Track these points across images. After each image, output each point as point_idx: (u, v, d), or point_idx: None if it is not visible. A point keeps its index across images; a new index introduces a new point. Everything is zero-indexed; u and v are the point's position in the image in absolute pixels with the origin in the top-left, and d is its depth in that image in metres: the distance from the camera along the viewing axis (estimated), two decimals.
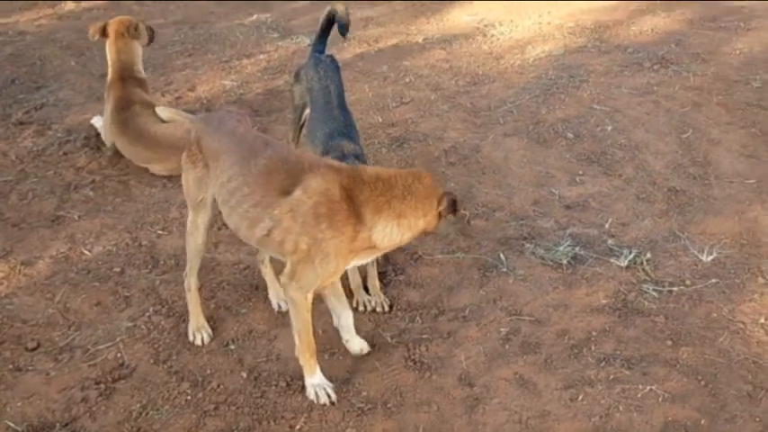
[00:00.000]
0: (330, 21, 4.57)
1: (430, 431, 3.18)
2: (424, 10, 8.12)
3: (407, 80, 6.43)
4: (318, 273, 3.07)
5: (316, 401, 3.29)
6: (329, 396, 3.29)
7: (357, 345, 3.56)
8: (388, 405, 3.30)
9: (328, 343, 3.64)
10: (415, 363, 3.53)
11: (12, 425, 3.22)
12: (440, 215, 3.16)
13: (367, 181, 3.06)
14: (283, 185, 3.04)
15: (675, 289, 3.95)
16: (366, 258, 3.29)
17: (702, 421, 3.15)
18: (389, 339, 3.68)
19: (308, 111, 4.32)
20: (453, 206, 3.16)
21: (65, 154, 5.33)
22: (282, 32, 7.56)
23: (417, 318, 3.82)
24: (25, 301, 3.94)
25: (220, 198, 3.24)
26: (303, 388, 3.36)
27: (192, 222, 3.48)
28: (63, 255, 4.30)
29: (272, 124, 5.70)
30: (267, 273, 3.84)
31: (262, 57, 6.96)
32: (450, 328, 3.74)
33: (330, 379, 3.38)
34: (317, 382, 3.31)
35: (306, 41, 7.11)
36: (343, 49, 7.09)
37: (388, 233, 3.09)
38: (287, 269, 3.16)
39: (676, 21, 7.58)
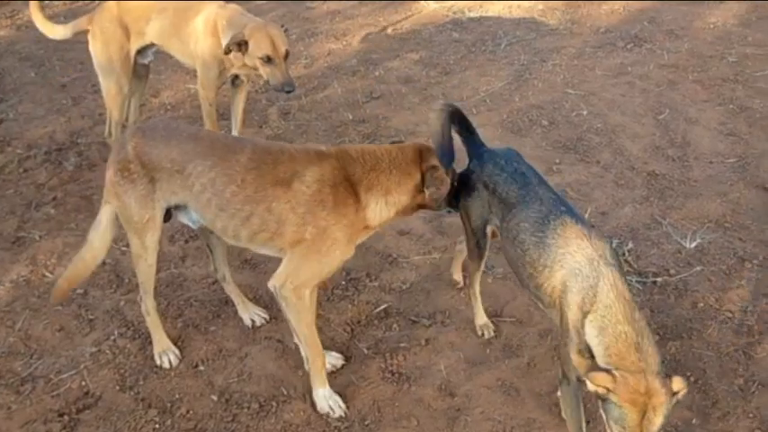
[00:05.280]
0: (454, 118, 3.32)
1: None
2: (393, 0, 7.94)
3: (377, 74, 6.26)
4: (324, 263, 3.01)
5: (331, 414, 3.18)
6: (341, 407, 3.20)
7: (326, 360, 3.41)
8: (366, 422, 3.16)
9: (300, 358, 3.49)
10: (392, 374, 3.39)
11: None
12: (422, 187, 3.10)
13: (356, 158, 3.04)
14: (276, 177, 2.99)
15: (660, 279, 3.82)
16: (361, 239, 3.19)
17: (694, 420, 3.03)
18: (365, 350, 3.53)
19: (490, 227, 3.22)
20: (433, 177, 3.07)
21: (25, 171, 5.14)
22: None
23: (394, 325, 3.68)
24: None
25: (201, 204, 3.11)
26: (276, 409, 3.22)
27: (140, 245, 3.28)
28: (24, 278, 4.12)
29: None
30: (231, 290, 3.68)
31: None
32: (429, 334, 3.60)
33: (303, 397, 3.23)
34: (328, 394, 3.21)
35: None
36: (310, 45, 6.92)
37: (379, 210, 3.06)
38: (280, 269, 3.06)
39: None
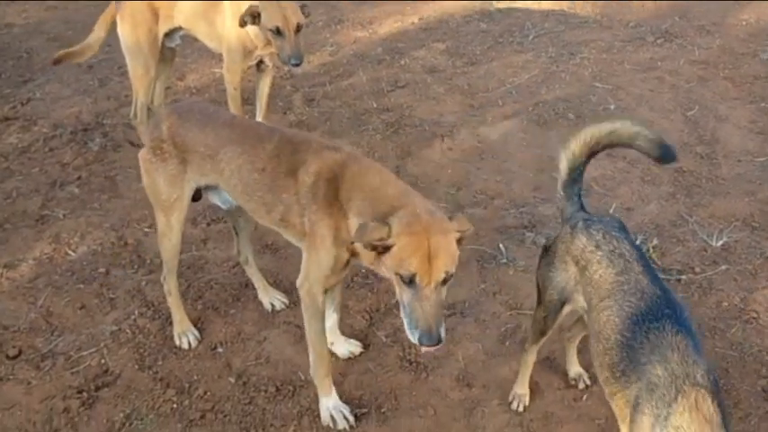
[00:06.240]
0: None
1: None
2: None
3: (402, 62, 6.22)
4: (321, 260, 2.88)
5: (333, 427, 3.07)
6: (347, 420, 3.07)
7: (343, 348, 3.41)
8: (383, 410, 3.15)
9: None
10: (410, 363, 3.37)
11: None
12: None
13: (354, 168, 2.83)
14: (289, 167, 2.94)
15: (684, 277, 3.77)
16: (357, 260, 2.89)
17: None
18: (384, 339, 3.52)
19: (570, 307, 2.80)
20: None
21: (50, 150, 5.18)
22: None
23: None
24: (7, 306, 3.79)
25: (231, 187, 3.11)
26: (293, 393, 3.22)
27: (165, 224, 3.30)
28: (47, 256, 4.15)
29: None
30: (253, 273, 3.68)
31: None
32: (448, 324, 3.52)
33: None
34: (332, 405, 3.09)
35: None
36: (336, 32, 6.90)
37: (354, 227, 2.73)
38: (302, 266, 3.01)
39: None
